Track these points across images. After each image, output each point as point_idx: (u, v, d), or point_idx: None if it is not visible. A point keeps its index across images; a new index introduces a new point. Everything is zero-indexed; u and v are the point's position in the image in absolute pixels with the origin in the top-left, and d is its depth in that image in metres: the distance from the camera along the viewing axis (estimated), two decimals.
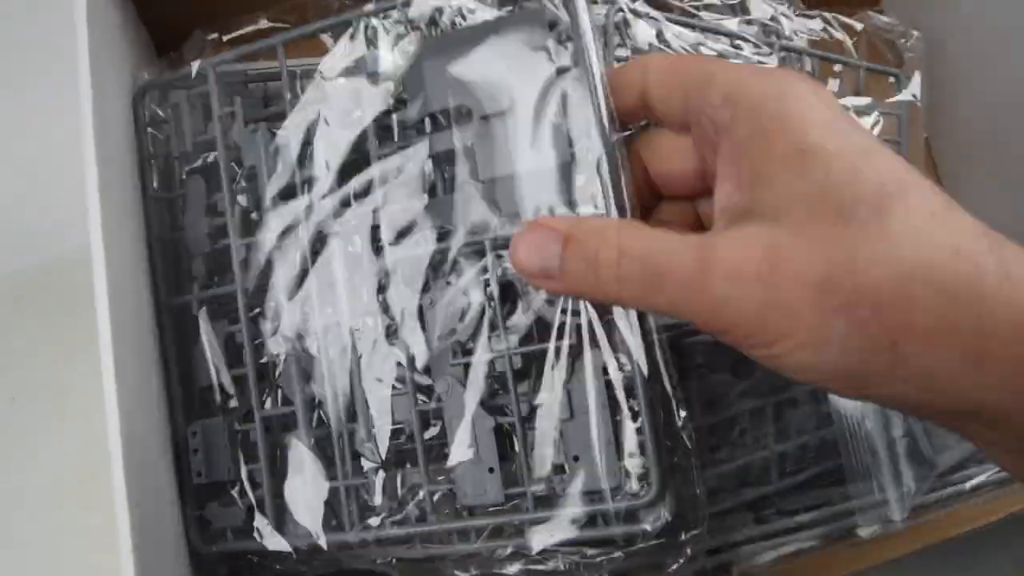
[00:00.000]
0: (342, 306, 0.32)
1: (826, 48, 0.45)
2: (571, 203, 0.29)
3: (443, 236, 0.31)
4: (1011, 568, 0.44)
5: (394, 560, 0.32)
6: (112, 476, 0.28)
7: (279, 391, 0.34)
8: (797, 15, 0.45)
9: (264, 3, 0.43)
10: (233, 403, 0.34)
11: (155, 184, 0.37)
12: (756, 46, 0.43)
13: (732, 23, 0.43)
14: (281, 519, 0.33)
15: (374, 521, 0.32)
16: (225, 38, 0.41)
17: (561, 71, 0.30)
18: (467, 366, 0.31)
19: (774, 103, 0.23)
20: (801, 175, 0.21)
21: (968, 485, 0.39)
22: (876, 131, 0.50)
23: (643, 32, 0.40)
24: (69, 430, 0.39)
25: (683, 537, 0.29)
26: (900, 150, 0.50)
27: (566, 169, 0.29)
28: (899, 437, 0.35)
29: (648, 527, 0.29)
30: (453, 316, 0.31)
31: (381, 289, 0.32)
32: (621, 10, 0.40)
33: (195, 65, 0.36)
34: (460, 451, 0.30)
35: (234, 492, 0.34)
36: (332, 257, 0.33)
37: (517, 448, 0.30)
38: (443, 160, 0.32)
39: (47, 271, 0.41)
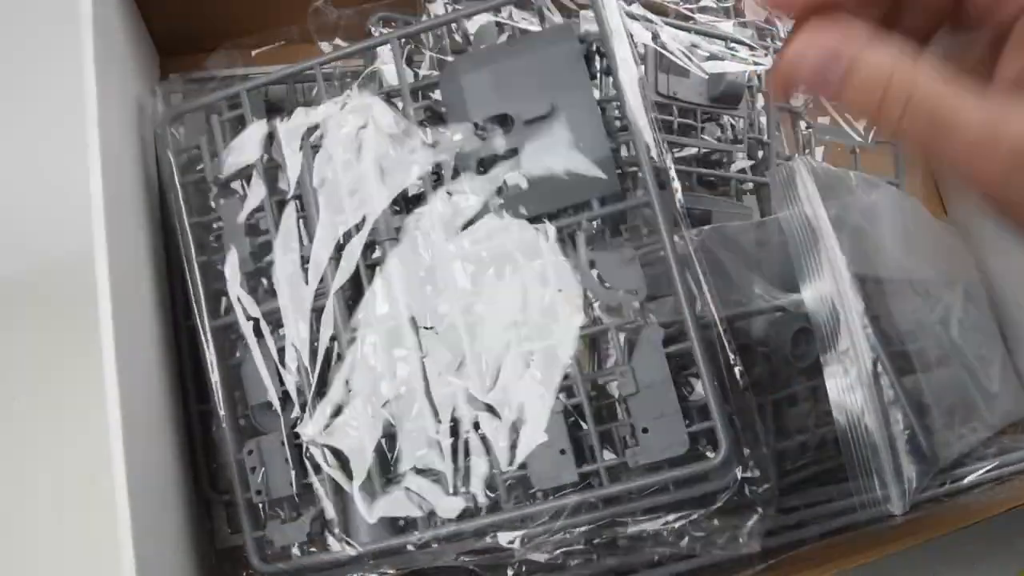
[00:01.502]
0: (400, 307, 0.33)
1: None
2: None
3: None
4: (1014, 563, 0.44)
5: (460, 556, 0.32)
6: (113, 478, 0.28)
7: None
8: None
9: (264, 13, 0.44)
10: (295, 413, 0.34)
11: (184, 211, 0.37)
12: (751, 48, 0.43)
13: (727, 26, 0.43)
14: (350, 527, 0.32)
15: (448, 513, 0.32)
16: (254, 52, 0.42)
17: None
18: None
19: None
20: None
21: (968, 480, 0.39)
22: (871, 133, 0.51)
23: (639, 35, 0.41)
24: (69, 431, 0.39)
25: (759, 490, 0.31)
26: (895, 151, 0.51)
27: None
28: (900, 433, 0.35)
29: (724, 484, 0.30)
30: None
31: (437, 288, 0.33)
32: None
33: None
34: (532, 436, 0.31)
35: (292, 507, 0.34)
36: (389, 263, 0.33)
37: (585, 427, 0.31)
38: (490, 163, 0.34)
39: (47, 272, 0.41)
